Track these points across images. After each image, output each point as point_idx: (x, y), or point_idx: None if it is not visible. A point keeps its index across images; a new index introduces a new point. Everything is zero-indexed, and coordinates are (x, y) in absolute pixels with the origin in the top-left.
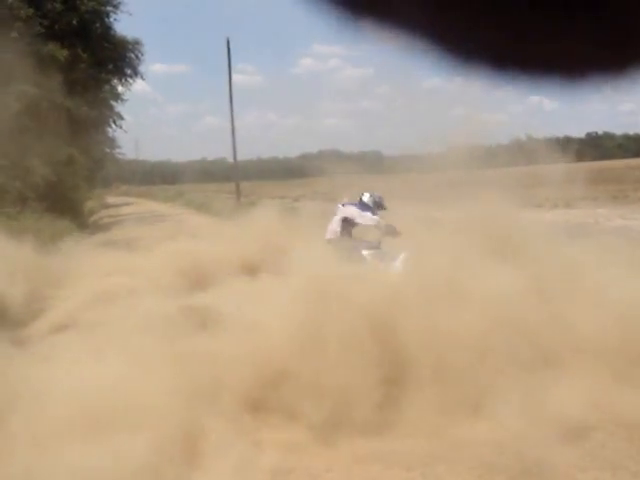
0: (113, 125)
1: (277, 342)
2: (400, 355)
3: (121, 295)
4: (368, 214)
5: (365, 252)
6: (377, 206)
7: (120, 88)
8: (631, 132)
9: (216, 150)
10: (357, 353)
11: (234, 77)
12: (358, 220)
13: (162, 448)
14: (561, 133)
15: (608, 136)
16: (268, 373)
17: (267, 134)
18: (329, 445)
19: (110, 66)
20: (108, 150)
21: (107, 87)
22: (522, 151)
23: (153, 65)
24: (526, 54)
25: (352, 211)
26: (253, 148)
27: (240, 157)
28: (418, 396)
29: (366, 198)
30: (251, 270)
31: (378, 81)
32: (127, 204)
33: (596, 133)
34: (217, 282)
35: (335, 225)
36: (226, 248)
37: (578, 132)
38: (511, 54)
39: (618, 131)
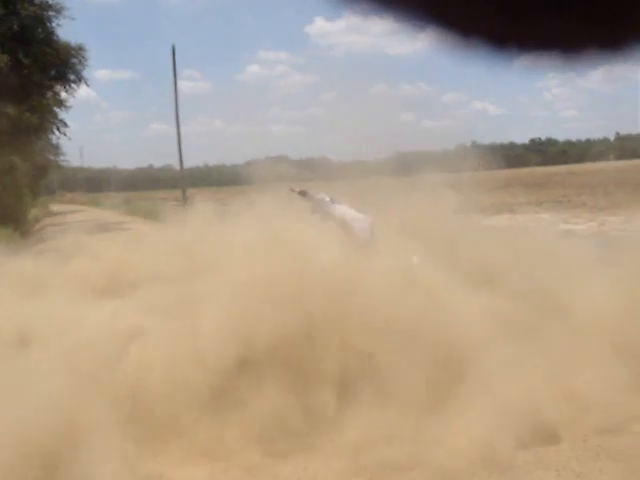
0: (57, 132)
1: None
2: None
3: None
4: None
5: None
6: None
7: (64, 94)
8: (573, 138)
9: (163, 157)
10: None
11: (181, 83)
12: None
13: None
14: (505, 139)
15: (551, 142)
16: None
17: (214, 141)
18: None
19: (53, 72)
20: (52, 157)
21: (50, 93)
22: (467, 157)
23: (98, 71)
24: (525, 33)
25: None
26: (200, 155)
27: (187, 164)
28: None
29: (327, 197)
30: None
31: (324, 87)
32: (72, 212)
33: (539, 139)
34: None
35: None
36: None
37: (522, 138)
38: (510, 33)
39: (561, 137)
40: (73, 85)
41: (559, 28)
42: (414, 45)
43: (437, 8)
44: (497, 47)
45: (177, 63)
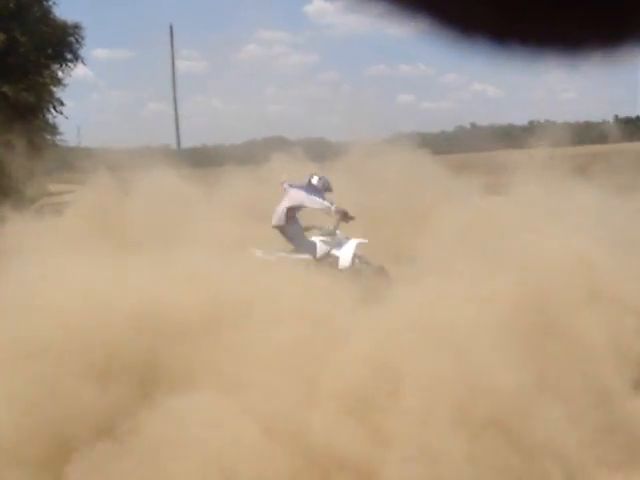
0: (53, 111)
1: None
2: None
3: None
4: (317, 198)
5: (316, 239)
6: (325, 189)
7: (60, 73)
8: (572, 120)
9: (160, 137)
10: None
11: (178, 63)
12: (307, 204)
13: None
14: (504, 121)
15: (550, 124)
16: None
17: (212, 121)
18: None
19: (49, 50)
20: (49, 137)
21: (47, 72)
22: (467, 138)
23: (95, 50)
24: (525, 29)
25: (300, 196)
26: (198, 135)
27: (185, 144)
28: None
29: (315, 180)
30: None
31: (323, 68)
32: (70, 192)
33: (538, 121)
34: None
35: (280, 212)
36: None
37: (521, 120)
38: (511, 29)
39: (559, 119)
40: (70, 64)
41: (560, 24)
42: (411, 27)
43: (440, 3)
44: (497, 42)
45: (175, 42)
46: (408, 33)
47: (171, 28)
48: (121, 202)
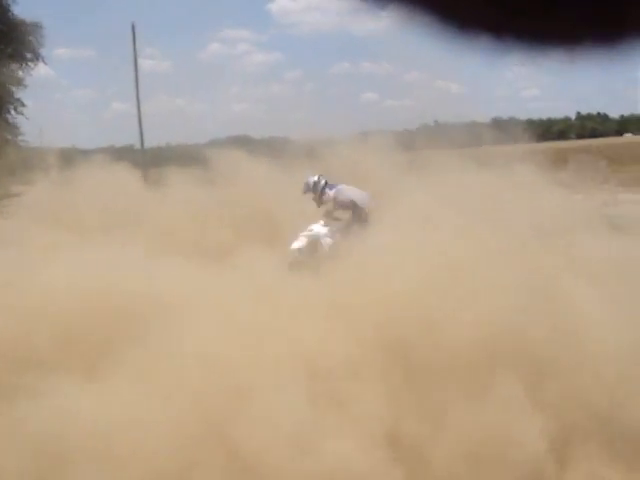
0: (13, 111)
1: None
2: None
3: None
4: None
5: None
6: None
7: (20, 73)
8: (535, 117)
9: (124, 137)
10: None
11: (142, 62)
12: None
13: None
14: (467, 118)
15: (513, 121)
16: None
17: (176, 120)
18: None
19: (9, 50)
20: (9, 137)
21: (6, 72)
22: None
23: (57, 49)
24: (523, 26)
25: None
26: (162, 134)
27: (148, 144)
28: None
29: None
30: None
31: (287, 66)
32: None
33: (501, 118)
34: None
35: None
36: None
37: (484, 117)
38: (508, 26)
39: (522, 116)
40: (30, 64)
41: (557, 22)
42: (377, 23)
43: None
44: (494, 38)
45: (137, 41)
46: (374, 27)
47: (133, 28)
48: (67, 201)
